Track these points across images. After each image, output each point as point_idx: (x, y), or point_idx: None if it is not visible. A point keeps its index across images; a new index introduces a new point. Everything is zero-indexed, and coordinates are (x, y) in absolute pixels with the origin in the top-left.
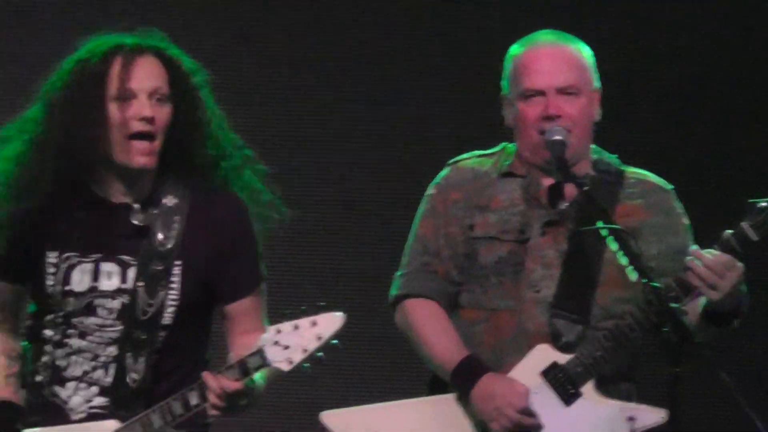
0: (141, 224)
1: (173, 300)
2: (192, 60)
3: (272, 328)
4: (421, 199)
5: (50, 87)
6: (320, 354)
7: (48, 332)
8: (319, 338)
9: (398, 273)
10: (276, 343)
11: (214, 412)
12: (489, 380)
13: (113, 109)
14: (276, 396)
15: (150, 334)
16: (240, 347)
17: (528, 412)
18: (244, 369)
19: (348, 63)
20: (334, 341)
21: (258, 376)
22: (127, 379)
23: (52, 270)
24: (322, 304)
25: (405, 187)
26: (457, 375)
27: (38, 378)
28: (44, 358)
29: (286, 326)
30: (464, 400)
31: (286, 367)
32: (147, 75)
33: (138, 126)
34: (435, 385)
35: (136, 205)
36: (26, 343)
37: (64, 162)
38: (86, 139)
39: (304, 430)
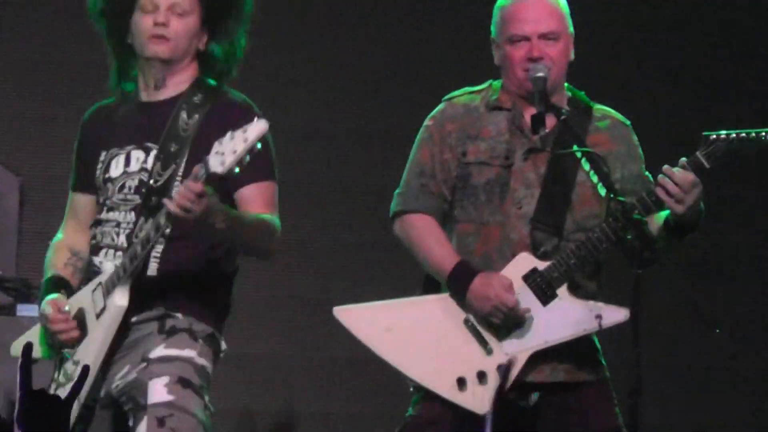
0: (156, 125)
1: (181, 175)
2: None
3: (216, 142)
4: (420, 130)
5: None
6: (248, 157)
7: (96, 218)
8: (245, 140)
9: (397, 191)
10: (216, 152)
11: (179, 212)
12: (480, 282)
13: (137, 17)
14: (291, 291)
15: (160, 199)
16: None
17: (518, 304)
18: (194, 179)
19: None
20: (258, 145)
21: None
22: (133, 240)
23: (100, 165)
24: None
25: (404, 119)
26: (452, 279)
27: (88, 257)
28: (92, 241)
29: (225, 138)
30: (461, 299)
31: (219, 169)
32: None
33: (154, 30)
34: (428, 286)
35: (157, 108)
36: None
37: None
38: (118, 46)
39: (321, 324)
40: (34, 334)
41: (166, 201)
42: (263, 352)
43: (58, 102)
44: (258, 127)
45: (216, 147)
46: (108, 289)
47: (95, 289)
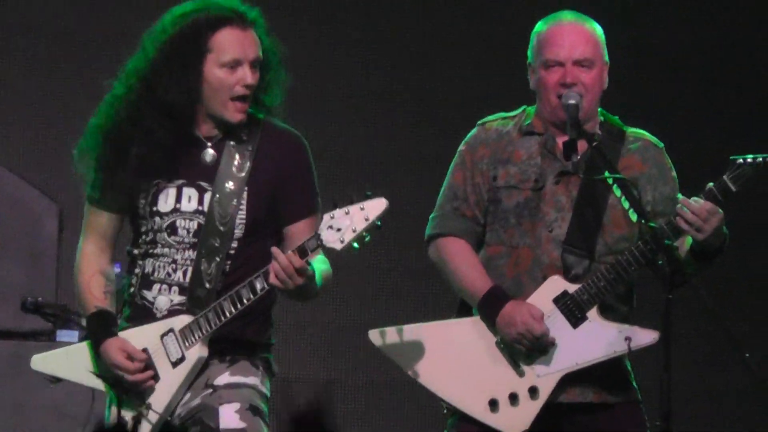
0: (210, 163)
1: (242, 217)
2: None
3: (327, 215)
4: (456, 154)
5: (152, 40)
6: (367, 235)
7: (138, 250)
8: (366, 219)
9: (432, 215)
10: (330, 227)
11: (277, 283)
12: (510, 308)
13: (220, 73)
14: (328, 316)
15: (223, 242)
16: None
17: (545, 334)
18: (302, 250)
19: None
20: (379, 224)
21: (315, 266)
22: (202, 281)
23: (143, 195)
24: (368, 193)
25: (440, 144)
26: (483, 304)
27: (131, 289)
28: (136, 270)
29: (339, 212)
30: (490, 323)
31: (338, 246)
32: (252, 46)
33: (240, 91)
34: (463, 309)
35: (209, 145)
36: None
37: (161, 110)
38: (184, 93)
39: (357, 347)
40: (76, 359)
41: (266, 275)
42: (301, 376)
43: None
44: (379, 206)
45: (328, 221)
46: (187, 339)
47: (165, 334)
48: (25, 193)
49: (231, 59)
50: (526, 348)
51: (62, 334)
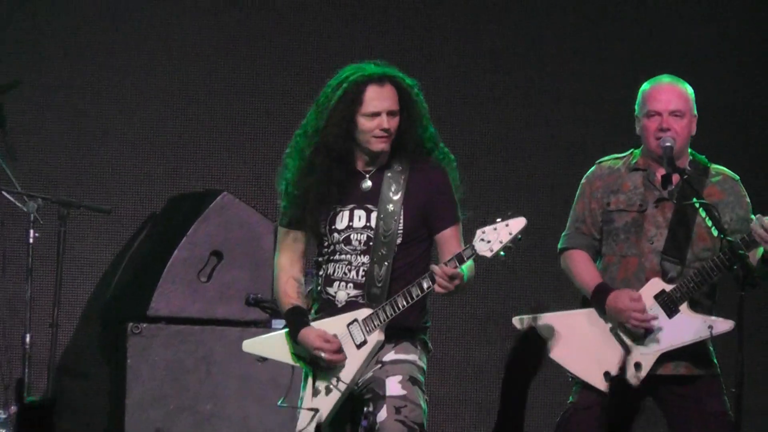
0: (367, 190)
1: (400, 230)
2: (410, 79)
3: (479, 230)
4: (579, 186)
5: (321, 99)
6: (511, 245)
7: (323, 258)
8: (510, 233)
9: (563, 234)
10: (481, 239)
11: (440, 290)
12: (613, 297)
13: (365, 121)
14: (482, 308)
15: (388, 250)
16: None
17: (645, 312)
18: (459, 258)
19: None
20: (520, 237)
21: (464, 268)
22: (375, 281)
23: (324, 217)
24: (510, 213)
25: (571, 175)
26: (594, 296)
27: (318, 288)
28: (320, 273)
29: (488, 228)
30: (602, 312)
31: (488, 254)
32: (387, 99)
33: (379, 133)
34: (585, 301)
35: (368, 176)
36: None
37: (330, 152)
38: (343, 137)
39: (503, 330)
40: (278, 343)
41: (432, 277)
42: (450, 354)
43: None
44: (519, 223)
45: (480, 234)
46: (369, 327)
47: (351, 323)
48: (249, 216)
49: (371, 111)
50: (633, 326)
51: (276, 323)
